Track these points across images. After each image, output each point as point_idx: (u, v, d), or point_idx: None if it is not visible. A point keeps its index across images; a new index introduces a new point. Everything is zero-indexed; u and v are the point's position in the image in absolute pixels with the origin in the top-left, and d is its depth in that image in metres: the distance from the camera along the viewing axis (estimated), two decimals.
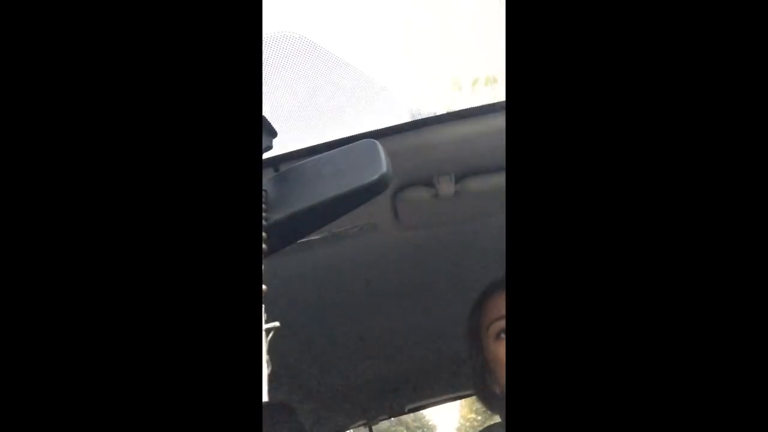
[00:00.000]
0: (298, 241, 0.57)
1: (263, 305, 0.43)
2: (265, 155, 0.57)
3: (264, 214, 0.52)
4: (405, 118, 0.85)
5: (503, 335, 0.94)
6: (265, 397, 0.41)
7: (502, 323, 0.94)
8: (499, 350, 0.95)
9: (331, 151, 0.57)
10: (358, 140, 0.56)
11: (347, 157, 0.55)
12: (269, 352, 0.43)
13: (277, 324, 0.44)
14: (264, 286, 0.43)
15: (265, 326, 0.44)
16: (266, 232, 0.50)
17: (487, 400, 1.02)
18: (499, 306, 0.97)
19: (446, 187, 0.96)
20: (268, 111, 0.54)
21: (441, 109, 0.86)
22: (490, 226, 1.02)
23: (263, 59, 0.47)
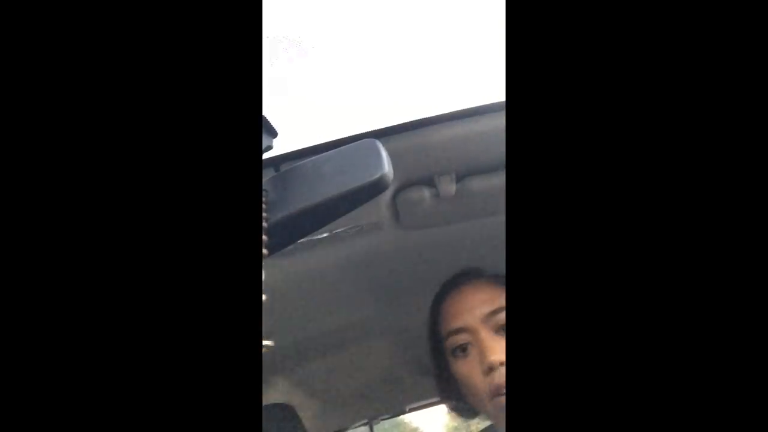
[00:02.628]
0: (299, 241, 0.57)
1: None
2: (266, 155, 0.57)
3: (264, 215, 0.52)
4: (405, 118, 0.84)
5: (459, 352, 0.89)
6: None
7: (457, 338, 0.89)
8: (457, 366, 0.90)
9: (332, 151, 0.57)
10: (358, 140, 0.56)
11: (347, 157, 0.55)
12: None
13: (269, 343, 0.44)
14: (264, 296, 0.43)
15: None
16: (266, 233, 0.50)
17: (455, 408, 0.98)
18: (452, 314, 0.92)
19: (447, 187, 0.96)
20: (268, 111, 0.54)
21: (441, 109, 0.86)
22: (490, 226, 1.02)
23: (264, 60, 0.47)
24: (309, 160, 0.57)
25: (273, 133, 0.58)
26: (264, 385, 0.43)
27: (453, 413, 1.01)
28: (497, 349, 0.85)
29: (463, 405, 0.95)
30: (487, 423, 1.09)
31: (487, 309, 0.89)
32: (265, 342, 0.43)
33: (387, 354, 1.52)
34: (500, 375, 0.83)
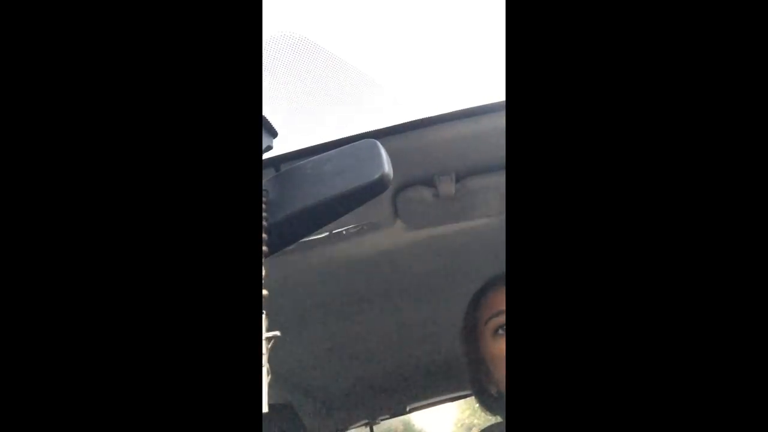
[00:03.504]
0: (299, 241, 0.57)
1: (264, 311, 0.43)
2: (266, 155, 0.57)
3: (264, 215, 0.52)
4: (405, 118, 0.84)
5: (501, 331, 0.93)
6: (264, 407, 0.41)
7: (501, 319, 0.93)
8: (496, 347, 0.93)
9: (332, 151, 0.57)
10: (358, 140, 0.56)
11: (347, 157, 0.55)
12: (269, 360, 0.43)
13: (277, 333, 0.44)
14: (265, 291, 0.43)
15: (265, 334, 0.44)
16: (267, 233, 0.50)
17: (484, 400, 1.01)
18: (498, 301, 0.95)
19: (446, 187, 0.96)
20: (268, 111, 0.54)
21: (441, 109, 0.86)
22: (490, 226, 1.02)
23: (264, 59, 0.47)
24: (309, 160, 0.57)
25: (273, 133, 0.58)
26: (268, 391, 0.43)
27: (480, 406, 1.03)
28: None
29: (489, 393, 0.97)
30: (488, 424, 1.09)
31: None
32: (270, 333, 0.43)
33: (387, 354, 1.52)
34: None
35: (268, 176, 0.57)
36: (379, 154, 0.54)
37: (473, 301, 1.02)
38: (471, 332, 1.00)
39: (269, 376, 0.43)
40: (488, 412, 1.03)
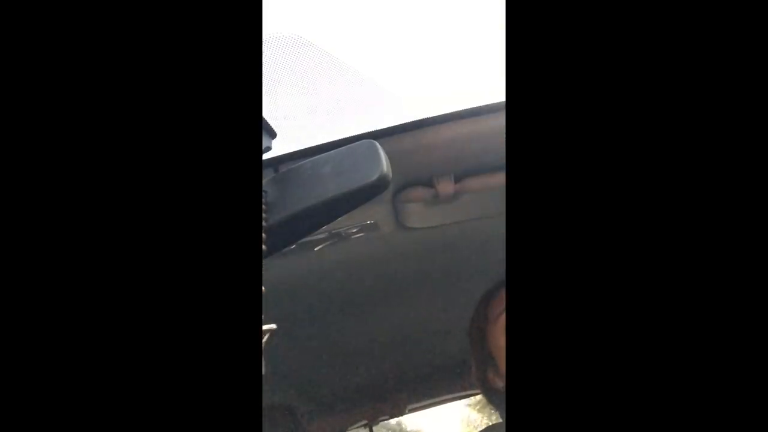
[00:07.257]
0: (298, 242, 0.57)
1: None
2: (265, 156, 0.58)
3: (264, 215, 0.52)
4: (405, 118, 0.85)
5: None
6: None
7: None
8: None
9: (331, 152, 0.57)
10: (357, 140, 0.56)
11: (347, 158, 0.55)
12: (264, 354, 0.43)
13: (273, 326, 0.44)
14: (262, 288, 0.43)
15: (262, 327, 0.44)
16: (266, 233, 0.50)
17: (490, 396, 1.02)
18: None
19: (446, 187, 0.96)
20: (267, 112, 0.54)
21: (441, 109, 0.86)
22: (490, 226, 1.03)
23: (263, 60, 0.47)
24: (308, 161, 0.57)
25: (272, 134, 0.58)
26: (264, 386, 0.43)
27: (487, 402, 1.03)
28: None
29: (495, 389, 0.98)
30: (487, 424, 1.09)
31: None
32: (266, 326, 0.43)
33: (387, 354, 1.52)
34: None
35: (267, 177, 0.57)
36: (378, 155, 0.54)
37: (484, 299, 1.03)
38: (480, 329, 1.01)
39: (264, 371, 0.43)
40: (495, 409, 1.03)
